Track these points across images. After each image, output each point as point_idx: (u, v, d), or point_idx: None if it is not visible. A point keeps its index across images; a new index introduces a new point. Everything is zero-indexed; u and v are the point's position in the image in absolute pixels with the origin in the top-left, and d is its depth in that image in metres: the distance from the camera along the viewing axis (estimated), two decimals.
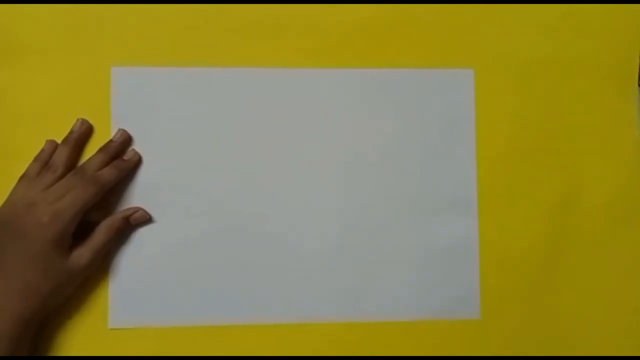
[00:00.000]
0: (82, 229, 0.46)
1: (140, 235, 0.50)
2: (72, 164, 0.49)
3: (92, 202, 0.46)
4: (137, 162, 0.50)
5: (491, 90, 0.51)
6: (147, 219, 0.49)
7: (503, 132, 0.52)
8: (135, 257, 0.50)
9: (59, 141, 0.49)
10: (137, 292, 0.49)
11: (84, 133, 0.49)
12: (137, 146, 0.50)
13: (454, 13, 0.52)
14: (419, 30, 0.52)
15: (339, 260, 0.50)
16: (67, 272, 0.46)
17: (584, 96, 0.50)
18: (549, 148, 0.52)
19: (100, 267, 0.49)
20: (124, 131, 0.50)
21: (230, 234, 0.50)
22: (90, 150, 0.50)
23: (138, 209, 0.49)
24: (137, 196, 0.50)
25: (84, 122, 0.49)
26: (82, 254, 0.46)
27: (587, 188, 0.52)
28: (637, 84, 0.52)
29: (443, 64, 0.51)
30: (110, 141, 0.49)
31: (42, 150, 0.49)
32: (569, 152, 0.52)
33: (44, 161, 0.48)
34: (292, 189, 0.51)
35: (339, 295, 0.50)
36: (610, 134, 0.51)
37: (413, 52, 0.52)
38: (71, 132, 0.49)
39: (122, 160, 0.49)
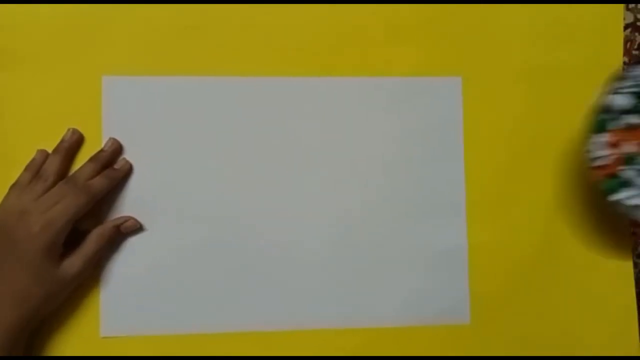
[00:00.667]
0: (73, 237, 0.47)
1: (132, 244, 0.50)
2: (63, 173, 0.49)
3: (83, 211, 0.46)
4: (128, 171, 0.50)
5: (479, 97, 0.52)
6: (137, 228, 0.50)
7: (491, 139, 0.52)
8: (127, 265, 0.50)
9: (50, 150, 0.49)
10: (129, 300, 0.49)
11: (75, 142, 0.49)
12: (128, 155, 0.50)
13: (442, 21, 0.52)
14: (407, 39, 0.52)
15: (330, 267, 0.51)
16: (58, 281, 0.46)
17: (570, 103, 0.50)
18: (536, 154, 0.52)
19: (92, 275, 0.49)
20: (115, 140, 0.50)
21: (222, 242, 0.50)
22: (82, 159, 0.50)
23: (129, 218, 0.49)
24: (128, 205, 0.50)
25: (74, 131, 0.49)
26: (73, 262, 0.46)
27: (573, 193, 0.52)
28: None
29: (431, 72, 0.52)
30: (101, 150, 0.49)
31: (33, 159, 0.49)
32: (556, 158, 0.53)
33: (35, 170, 0.48)
34: (284, 197, 0.51)
35: (329, 303, 0.50)
36: None
37: (401, 61, 0.52)
38: (62, 141, 0.49)
39: (113, 170, 0.49)
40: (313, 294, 0.50)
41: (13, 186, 0.48)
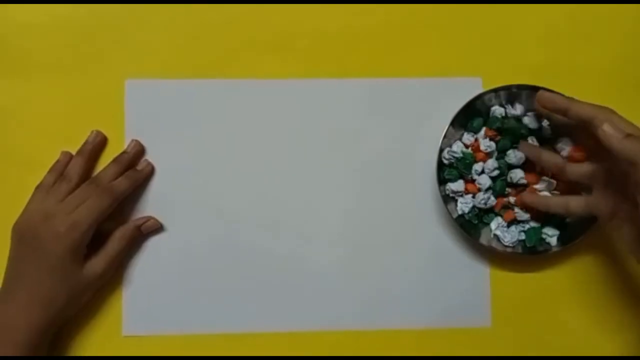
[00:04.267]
0: (95, 238, 0.47)
1: (154, 244, 0.50)
2: (86, 174, 0.49)
3: (107, 212, 0.47)
4: (150, 173, 0.51)
5: None
6: (158, 227, 0.50)
7: None
8: (149, 266, 0.50)
9: (74, 152, 0.50)
10: (150, 300, 0.50)
11: (99, 144, 0.50)
12: (150, 156, 0.51)
13: (462, 22, 0.52)
14: (427, 40, 0.52)
15: (351, 269, 0.51)
16: (83, 281, 0.46)
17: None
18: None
19: (114, 276, 0.49)
20: (137, 142, 0.50)
21: (242, 243, 0.51)
22: (105, 161, 0.50)
23: (149, 218, 0.50)
24: (150, 206, 0.51)
25: (98, 133, 0.50)
26: (97, 263, 0.47)
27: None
28: None
29: (451, 73, 0.52)
30: (124, 152, 0.50)
31: (58, 161, 0.50)
32: None
33: (59, 172, 0.49)
34: (304, 199, 0.51)
35: (351, 304, 0.50)
36: None
37: (421, 62, 0.52)
38: (86, 143, 0.50)
39: (135, 171, 0.50)
40: (335, 297, 0.50)
41: (38, 187, 0.48)
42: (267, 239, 0.51)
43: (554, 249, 0.48)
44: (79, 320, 0.49)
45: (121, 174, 0.49)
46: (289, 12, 0.52)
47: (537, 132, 0.49)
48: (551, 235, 0.48)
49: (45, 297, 0.45)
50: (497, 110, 0.49)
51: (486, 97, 0.49)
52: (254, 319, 0.50)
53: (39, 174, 0.49)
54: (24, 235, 0.46)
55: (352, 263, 0.51)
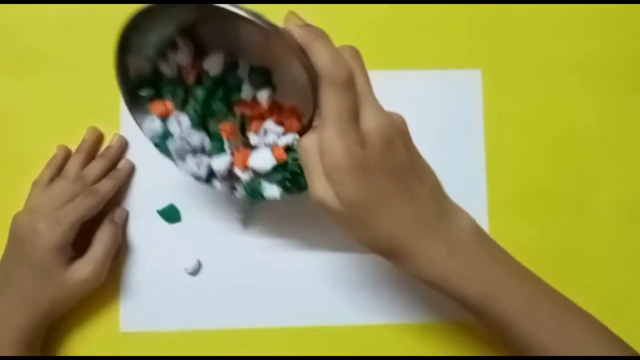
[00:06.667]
0: (87, 243, 0.47)
1: (150, 241, 0.50)
2: None
3: (91, 213, 0.46)
4: (131, 169, 0.50)
5: (499, 89, 0.52)
6: (126, 213, 0.50)
7: (511, 132, 0.52)
8: (146, 262, 0.50)
9: (70, 146, 0.50)
10: (148, 296, 0.50)
11: (96, 140, 0.50)
12: (146, 150, 0.50)
13: (462, 14, 0.52)
14: (427, 32, 0.52)
15: (343, 263, 0.51)
16: (68, 283, 0.45)
17: (591, 95, 0.50)
18: (557, 147, 0.52)
19: (110, 274, 0.48)
20: (121, 136, 0.50)
21: (240, 240, 0.50)
22: None
23: (117, 209, 0.49)
24: (147, 200, 0.50)
25: (94, 129, 0.50)
26: (82, 265, 0.46)
27: (596, 187, 0.52)
28: None
29: (451, 65, 0.52)
30: (108, 146, 0.50)
31: (55, 155, 0.49)
32: (577, 151, 0.52)
33: (56, 166, 0.49)
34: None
35: (342, 299, 0.50)
36: (618, 132, 0.51)
37: (421, 53, 0.52)
38: (83, 140, 0.50)
39: (117, 170, 0.49)
40: (327, 292, 0.50)
41: (35, 183, 0.48)
42: (264, 237, 0.50)
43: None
44: (76, 316, 0.49)
45: (107, 168, 0.49)
46: (292, 9, 0.51)
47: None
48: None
49: (29, 297, 0.45)
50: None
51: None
52: (253, 314, 0.50)
53: (35, 169, 0.49)
54: (14, 232, 0.46)
55: (344, 258, 0.51)
